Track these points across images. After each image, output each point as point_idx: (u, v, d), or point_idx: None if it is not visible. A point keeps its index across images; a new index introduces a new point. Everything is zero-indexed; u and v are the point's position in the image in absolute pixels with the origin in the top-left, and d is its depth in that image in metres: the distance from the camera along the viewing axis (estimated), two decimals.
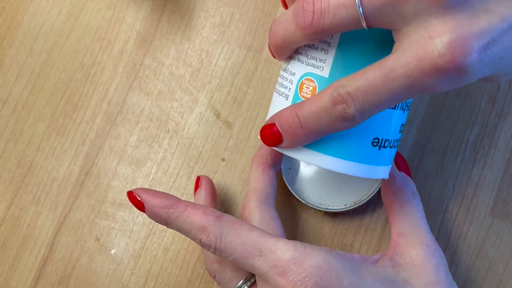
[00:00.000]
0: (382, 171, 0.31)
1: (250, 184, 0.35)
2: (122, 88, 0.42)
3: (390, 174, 0.35)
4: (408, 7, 0.25)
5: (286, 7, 0.31)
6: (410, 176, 0.36)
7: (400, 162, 0.36)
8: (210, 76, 0.41)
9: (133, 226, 0.40)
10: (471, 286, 0.37)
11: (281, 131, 0.29)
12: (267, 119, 0.32)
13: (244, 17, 0.42)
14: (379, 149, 0.30)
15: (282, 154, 0.37)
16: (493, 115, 0.39)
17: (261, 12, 0.42)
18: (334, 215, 0.39)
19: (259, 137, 0.31)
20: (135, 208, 0.40)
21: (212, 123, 0.41)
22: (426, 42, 0.24)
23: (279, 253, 0.29)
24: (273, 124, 0.30)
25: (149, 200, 0.31)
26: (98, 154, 0.41)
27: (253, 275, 0.33)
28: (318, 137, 0.29)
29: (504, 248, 0.37)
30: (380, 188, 0.37)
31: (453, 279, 0.32)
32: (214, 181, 0.40)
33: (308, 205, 0.37)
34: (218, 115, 0.41)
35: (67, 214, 0.41)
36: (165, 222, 0.31)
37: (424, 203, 0.35)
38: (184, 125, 0.41)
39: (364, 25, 0.26)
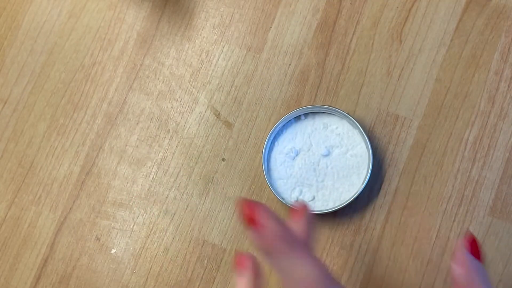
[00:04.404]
0: None
1: None
2: (122, 88, 0.42)
3: (463, 263, 0.31)
4: None
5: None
6: (480, 259, 0.32)
7: (472, 249, 0.32)
8: (210, 76, 0.41)
9: (133, 226, 0.40)
10: None
11: None
12: None
13: (244, 17, 0.42)
14: None
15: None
16: (492, 115, 0.39)
17: (261, 12, 0.42)
18: (333, 214, 0.39)
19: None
20: (135, 208, 0.40)
21: (212, 123, 0.41)
22: None
23: None
24: None
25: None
26: (98, 154, 0.41)
27: None
28: None
29: (504, 248, 0.37)
30: (362, 190, 0.37)
31: None
32: (214, 181, 0.40)
33: (287, 205, 0.37)
34: (218, 115, 0.41)
35: (67, 214, 0.41)
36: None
37: (424, 203, 0.35)
38: (184, 125, 0.41)
39: None
